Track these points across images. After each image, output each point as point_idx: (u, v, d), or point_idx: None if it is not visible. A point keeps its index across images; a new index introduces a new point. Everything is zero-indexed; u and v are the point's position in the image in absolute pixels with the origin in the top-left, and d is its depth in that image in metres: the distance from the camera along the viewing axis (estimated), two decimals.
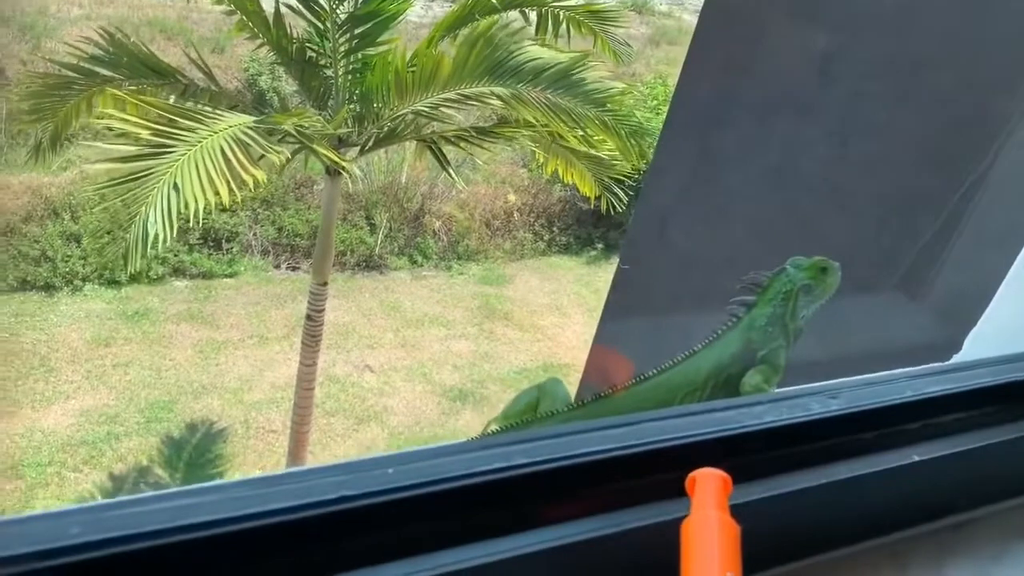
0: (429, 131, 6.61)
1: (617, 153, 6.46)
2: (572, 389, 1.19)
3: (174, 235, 4.93)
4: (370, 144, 6.66)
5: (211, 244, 10.71)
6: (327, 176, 6.75)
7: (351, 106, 6.34)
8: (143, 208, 4.68)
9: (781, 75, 2.30)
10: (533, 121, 6.06)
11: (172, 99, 5.98)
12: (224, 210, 10.18)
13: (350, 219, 11.34)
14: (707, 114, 2.40)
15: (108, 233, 5.08)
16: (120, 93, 5.65)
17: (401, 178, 11.77)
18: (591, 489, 0.67)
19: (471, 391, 9.62)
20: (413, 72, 5.96)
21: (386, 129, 6.47)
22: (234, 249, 10.78)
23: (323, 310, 7.09)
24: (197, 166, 4.79)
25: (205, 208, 4.83)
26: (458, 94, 5.99)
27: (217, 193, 4.81)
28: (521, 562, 0.61)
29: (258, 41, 6.41)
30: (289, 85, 10.73)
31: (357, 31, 6.05)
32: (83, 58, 5.94)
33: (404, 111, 6.17)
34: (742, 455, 0.72)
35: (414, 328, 10.44)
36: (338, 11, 5.90)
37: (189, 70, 6.48)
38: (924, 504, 0.84)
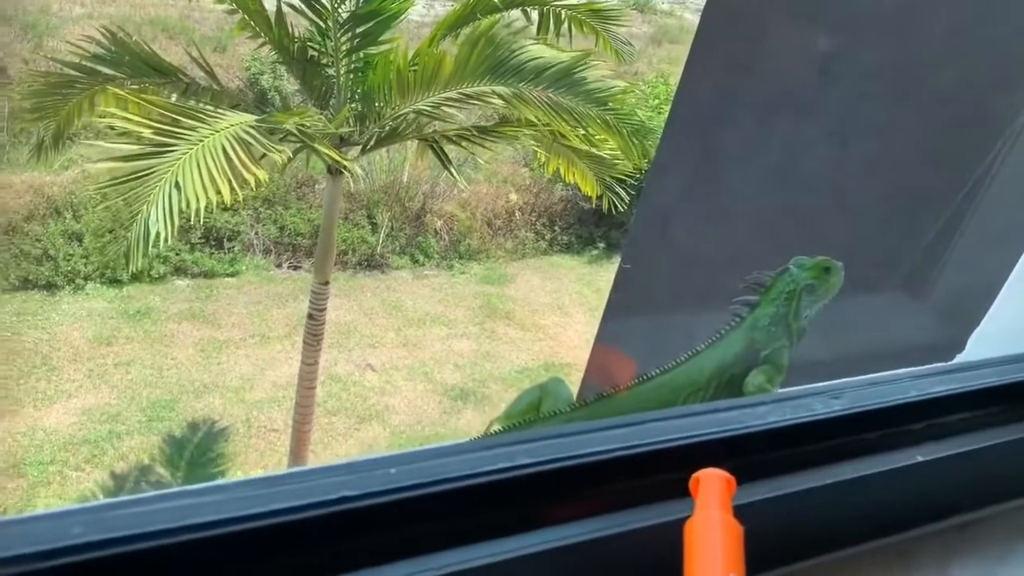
0: (431, 130, 6.61)
1: (619, 152, 6.46)
2: (574, 388, 1.19)
3: (175, 233, 4.93)
4: (372, 143, 6.66)
5: (213, 243, 10.71)
6: (329, 175, 6.75)
7: (353, 105, 6.34)
8: (145, 206, 4.68)
9: (783, 74, 2.30)
10: (535, 120, 6.06)
11: (174, 98, 5.98)
12: (226, 209, 10.18)
13: (352, 218, 11.34)
14: (709, 113, 2.40)
15: (110, 232, 5.09)
16: (122, 92, 5.65)
17: (403, 177, 11.77)
18: (594, 489, 0.67)
19: (472, 390, 9.63)
20: (415, 71, 5.96)
21: (388, 128, 6.47)
22: (236, 248, 10.79)
23: (325, 309, 7.09)
24: (199, 165, 4.79)
25: (206, 207, 4.83)
26: (460, 93, 5.99)
27: (219, 192, 4.81)
28: (524, 562, 0.61)
29: (260, 40, 6.42)
30: (291, 84, 10.74)
31: (359, 30, 6.05)
32: (85, 57, 5.94)
33: (406, 110, 6.17)
34: (745, 455, 0.72)
35: (416, 327, 10.44)
36: (340, 10, 5.90)
37: (191, 69, 6.48)
38: (929, 504, 0.83)
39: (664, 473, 0.68)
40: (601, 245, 12.43)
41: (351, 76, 6.32)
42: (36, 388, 8.60)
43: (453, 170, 6.84)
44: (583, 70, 5.91)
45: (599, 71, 6.01)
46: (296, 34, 6.21)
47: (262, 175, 5.06)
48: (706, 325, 1.12)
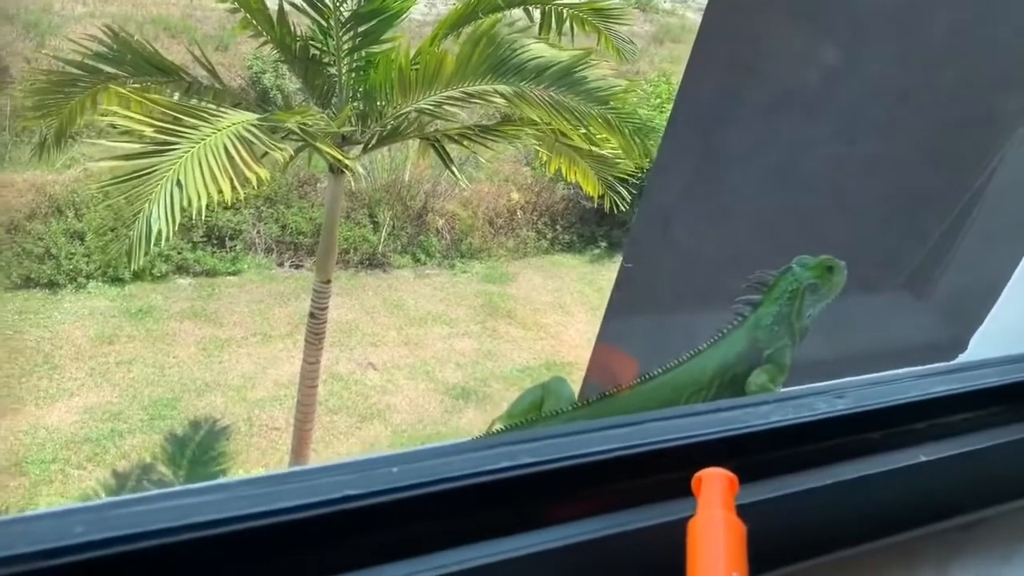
0: (432, 129, 6.61)
1: (620, 151, 6.45)
2: (576, 387, 1.19)
3: (176, 231, 4.93)
4: (373, 142, 6.67)
5: (215, 242, 10.72)
6: (330, 174, 6.75)
7: (354, 104, 6.34)
8: (146, 205, 4.68)
9: (786, 74, 2.30)
10: (536, 119, 6.06)
11: (176, 97, 5.99)
12: (228, 208, 10.20)
13: (353, 217, 11.35)
14: (711, 112, 2.40)
15: (112, 230, 5.09)
16: (124, 91, 5.66)
17: (404, 176, 11.77)
18: (596, 489, 0.67)
19: (474, 389, 9.63)
20: (416, 70, 5.96)
21: (389, 127, 6.47)
22: (238, 247, 10.79)
23: (326, 308, 7.10)
24: (200, 163, 4.79)
25: (208, 205, 4.83)
26: (461, 92, 5.99)
27: (220, 190, 4.81)
28: (526, 562, 0.61)
29: (262, 39, 6.42)
30: (293, 83, 10.75)
31: (361, 29, 6.06)
32: (87, 55, 5.94)
33: (407, 109, 6.18)
34: (748, 455, 0.72)
35: (417, 326, 10.45)
36: (342, 9, 5.90)
37: (193, 68, 6.49)
38: (931, 504, 0.83)
39: (666, 472, 0.68)
40: (603, 244, 12.43)
41: (353, 75, 6.32)
42: (38, 386, 8.61)
43: (455, 169, 6.85)
44: (584, 69, 5.91)
45: (600, 70, 6.01)
46: (298, 33, 6.22)
47: (264, 173, 5.06)
48: (708, 324, 1.12)
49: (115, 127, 5.24)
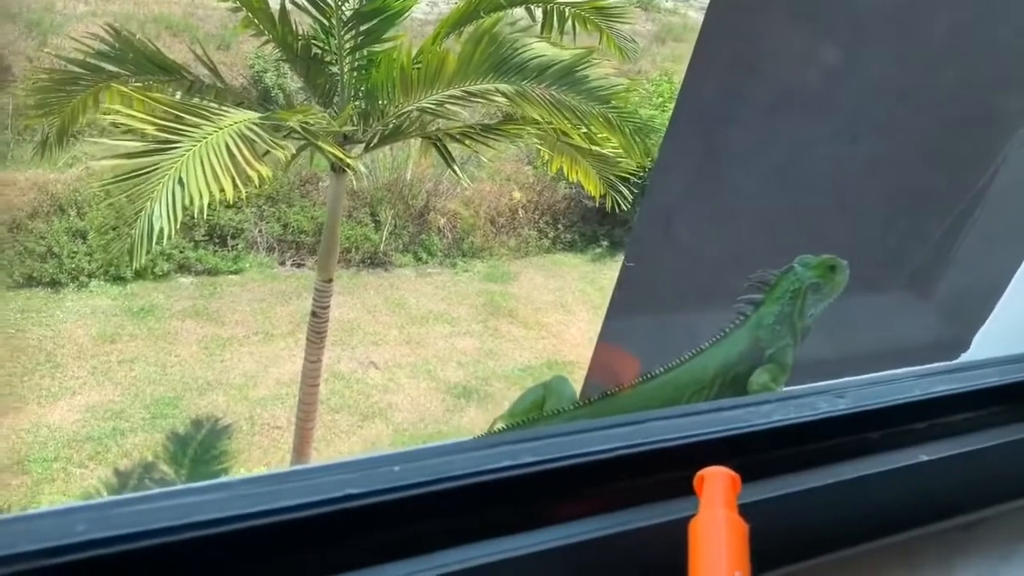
0: (434, 128, 6.61)
1: (621, 151, 6.45)
2: (577, 387, 1.18)
3: (178, 230, 4.94)
4: (375, 141, 6.66)
5: (216, 241, 10.72)
6: (332, 173, 6.75)
7: (356, 103, 6.34)
8: (148, 203, 4.69)
9: (788, 73, 2.30)
10: (538, 118, 6.05)
11: (178, 95, 5.99)
12: (229, 207, 10.20)
13: (355, 216, 11.35)
14: (713, 112, 2.39)
15: (113, 229, 5.09)
16: (126, 89, 5.66)
17: (406, 175, 11.77)
18: (598, 488, 0.67)
19: (475, 388, 9.63)
20: (418, 69, 5.96)
21: (391, 126, 6.47)
22: (239, 246, 10.80)
23: (328, 307, 7.10)
24: (202, 161, 4.79)
25: (210, 203, 4.84)
26: (463, 91, 5.98)
27: (222, 189, 4.82)
28: (528, 561, 0.61)
29: (264, 38, 6.41)
30: (294, 82, 10.75)
31: (362, 28, 6.06)
32: (89, 54, 5.95)
33: (409, 108, 6.17)
34: (749, 454, 0.72)
35: (419, 325, 10.45)
36: (343, 8, 5.90)
37: (195, 67, 6.50)
38: (932, 504, 0.83)
39: (668, 472, 0.68)
40: (604, 243, 12.42)
41: (355, 74, 6.32)
42: (40, 385, 8.62)
43: (456, 168, 6.85)
44: (586, 68, 5.91)
45: (601, 69, 6.01)
46: (300, 32, 6.22)
47: (265, 171, 5.07)
48: (710, 324, 1.12)
49: (117, 126, 5.25)
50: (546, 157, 7.23)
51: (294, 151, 5.95)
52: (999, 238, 1.81)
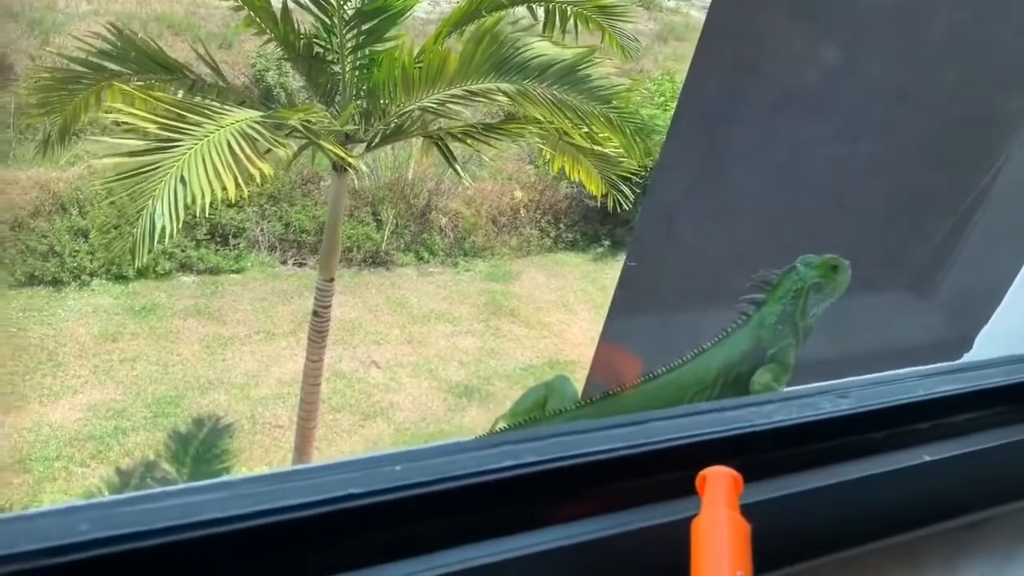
0: (436, 127, 6.61)
1: (623, 151, 6.45)
2: (578, 386, 1.18)
3: (180, 228, 4.94)
4: (377, 140, 6.67)
5: (218, 240, 10.73)
6: (334, 172, 6.76)
7: (358, 102, 6.34)
8: (150, 201, 4.69)
9: (790, 72, 2.29)
10: (540, 118, 6.05)
11: (180, 94, 5.99)
12: (231, 206, 10.21)
13: (357, 215, 11.35)
14: (715, 111, 2.39)
15: (115, 228, 5.11)
16: (128, 88, 5.66)
17: (408, 174, 11.77)
18: (600, 488, 0.66)
19: (477, 387, 9.63)
20: (420, 68, 5.95)
21: (393, 125, 6.47)
22: (241, 245, 10.80)
23: (329, 306, 7.10)
24: (204, 160, 4.80)
25: (212, 202, 4.84)
26: (465, 90, 5.98)
27: (224, 187, 4.82)
28: (530, 561, 0.61)
29: (265, 37, 6.41)
30: (296, 81, 10.75)
31: (364, 27, 6.05)
32: (92, 53, 5.95)
33: (411, 107, 6.17)
34: (752, 454, 0.72)
35: (420, 324, 10.45)
36: (345, 7, 5.90)
37: (197, 66, 6.50)
38: (936, 504, 0.83)
39: (670, 472, 0.68)
40: (606, 242, 12.42)
41: (356, 73, 6.32)
42: (42, 384, 8.62)
43: (458, 167, 6.85)
44: (587, 67, 5.91)
45: (603, 68, 6.00)
46: (302, 31, 6.22)
47: (267, 169, 5.07)
48: (712, 323, 1.12)
49: (119, 124, 5.25)
50: (548, 156, 7.23)
51: (296, 148, 5.95)
52: (1001, 238, 1.80)
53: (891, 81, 2.06)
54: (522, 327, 10.70)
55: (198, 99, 5.88)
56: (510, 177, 12.49)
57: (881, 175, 2.07)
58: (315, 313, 7.10)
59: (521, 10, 6.48)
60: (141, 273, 9.90)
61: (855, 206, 2.13)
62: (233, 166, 4.85)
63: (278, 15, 6.02)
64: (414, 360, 9.87)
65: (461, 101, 6.14)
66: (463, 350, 10.16)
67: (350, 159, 6.13)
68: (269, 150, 5.26)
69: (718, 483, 0.63)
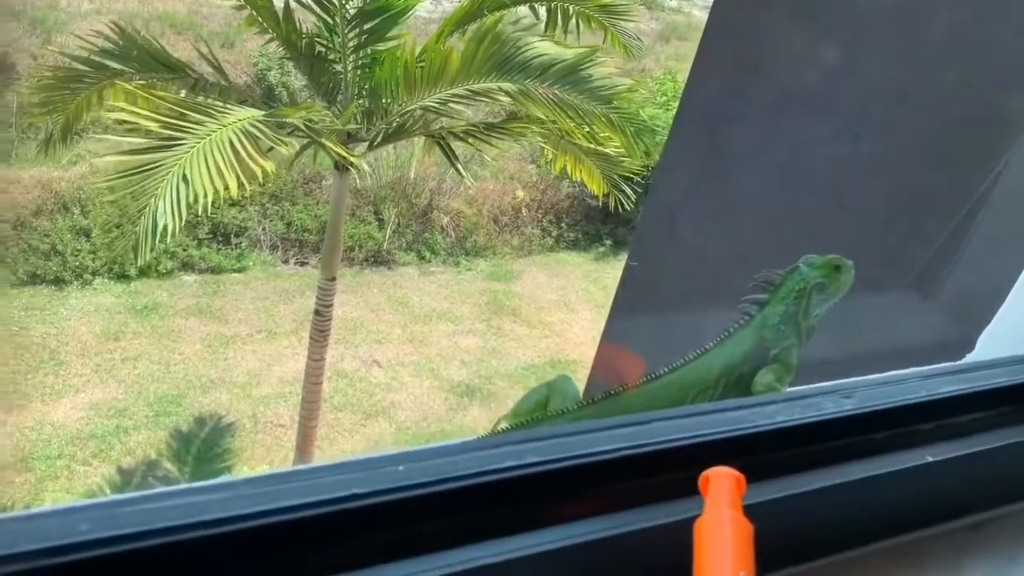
0: (438, 127, 6.61)
1: (623, 151, 6.45)
2: (580, 386, 1.18)
3: (183, 226, 4.95)
4: (379, 139, 6.67)
5: (220, 239, 10.73)
6: (336, 171, 6.76)
7: (360, 101, 6.34)
8: (153, 200, 4.70)
9: (792, 72, 2.29)
10: (542, 117, 6.05)
11: (182, 93, 6.00)
12: (233, 205, 10.22)
13: (358, 214, 11.35)
14: (717, 111, 2.39)
15: (117, 227, 5.11)
16: (130, 87, 5.66)
17: (409, 173, 11.77)
18: (602, 488, 0.66)
19: (479, 387, 9.63)
20: (422, 67, 5.95)
21: (395, 125, 6.47)
22: (243, 244, 10.81)
23: (331, 305, 7.10)
24: (206, 158, 4.80)
25: (214, 201, 4.84)
26: (466, 90, 5.98)
27: (226, 186, 4.82)
28: (532, 561, 0.61)
29: (268, 36, 6.42)
30: (298, 80, 10.75)
31: (366, 26, 6.06)
32: (94, 52, 5.96)
33: (413, 107, 6.17)
34: (754, 455, 0.72)
35: (422, 324, 10.45)
36: (347, 6, 5.90)
37: (199, 64, 6.50)
38: (939, 504, 0.83)
39: (672, 472, 0.67)
40: (608, 242, 12.41)
41: (358, 72, 6.32)
42: (44, 383, 8.63)
43: (460, 167, 6.84)
44: (588, 67, 5.91)
45: (604, 68, 6.00)
46: (304, 30, 6.22)
47: (269, 167, 5.07)
48: (714, 323, 1.12)
49: (121, 123, 5.25)
50: (549, 156, 7.23)
51: (297, 147, 5.95)
52: (1004, 239, 1.80)
53: (892, 81, 2.06)
54: (524, 326, 10.70)
55: (200, 98, 5.88)
56: (512, 176, 12.49)
57: (883, 175, 2.07)
58: (317, 312, 7.11)
59: (523, 9, 6.47)
60: (143, 272, 9.91)
61: (857, 206, 2.12)
62: (235, 165, 4.86)
63: (280, 14, 6.02)
64: (416, 359, 9.87)
65: (463, 100, 6.14)
66: (465, 349, 10.16)
67: (352, 158, 6.13)
68: (271, 148, 5.26)
69: (721, 483, 0.63)
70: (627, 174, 6.78)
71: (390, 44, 6.21)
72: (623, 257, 10.41)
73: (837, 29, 2.15)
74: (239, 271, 10.65)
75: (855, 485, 0.75)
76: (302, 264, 11.04)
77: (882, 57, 2.07)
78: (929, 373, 0.90)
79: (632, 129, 6.09)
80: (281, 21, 6.05)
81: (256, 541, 0.53)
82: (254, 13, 6.11)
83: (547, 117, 5.98)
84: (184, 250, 10.35)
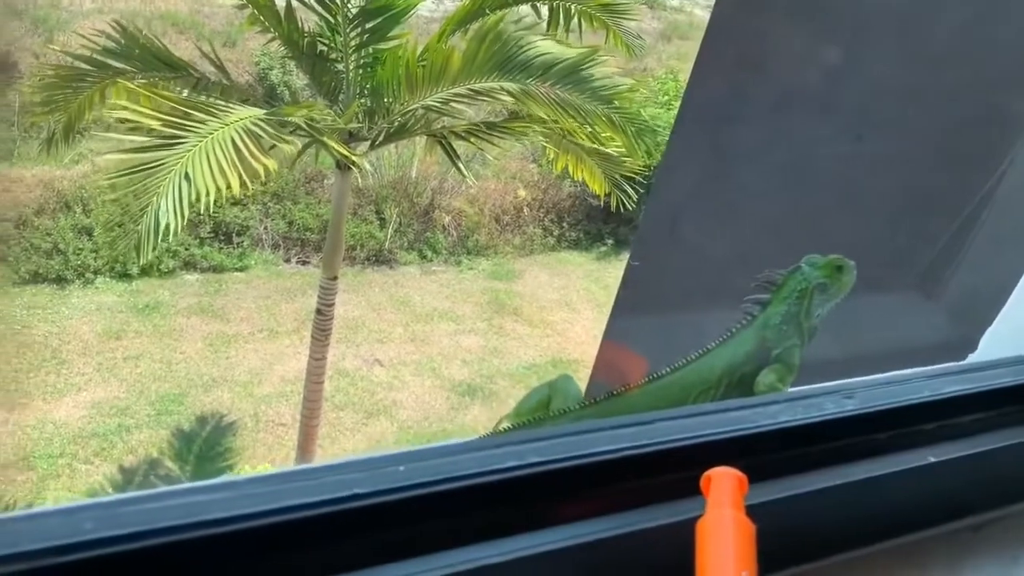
0: (439, 126, 6.61)
1: (625, 150, 6.45)
2: (582, 385, 1.18)
3: (185, 225, 4.95)
4: (380, 139, 6.67)
5: (222, 238, 10.74)
6: (337, 171, 6.76)
7: (362, 100, 6.34)
8: (155, 198, 4.70)
9: (794, 72, 2.29)
10: (544, 117, 6.05)
11: (184, 92, 6.00)
12: (235, 204, 10.22)
13: (360, 214, 11.35)
14: (719, 110, 2.38)
15: (119, 226, 5.10)
16: (132, 86, 5.67)
17: (411, 173, 11.78)
18: (604, 488, 0.66)
19: (480, 386, 9.63)
20: (424, 67, 5.95)
21: (396, 124, 6.47)
22: (245, 243, 10.81)
23: (333, 304, 7.10)
24: (208, 157, 4.80)
25: (216, 200, 4.85)
26: (468, 89, 5.98)
27: (228, 184, 4.83)
28: (534, 561, 0.60)
29: (270, 35, 6.42)
30: (300, 79, 10.75)
31: (368, 25, 6.06)
32: (96, 51, 5.96)
33: (414, 106, 6.17)
34: (756, 455, 0.72)
35: (423, 323, 10.45)
36: (349, 5, 5.90)
37: (201, 63, 6.50)
38: (942, 505, 0.83)
39: (674, 472, 0.67)
40: (609, 242, 12.41)
41: (360, 71, 6.32)
42: (46, 381, 8.64)
43: (461, 166, 6.84)
44: (590, 66, 5.90)
45: (606, 68, 6.00)
46: (306, 29, 6.22)
47: (271, 164, 5.07)
48: (717, 323, 1.12)
49: (123, 122, 5.26)
50: (551, 155, 7.22)
51: (299, 146, 5.95)
52: (1007, 239, 1.80)
53: (895, 81, 2.06)
54: (525, 326, 10.70)
55: (202, 97, 5.88)
56: (513, 176, 12.49)
57: (886, 175, 2.07)
58: (318, 311, 7.11)
59: (525, 8, 6.47)
60: (145, 271, 9.91)
61: (860, 206, 2.12)
62: (237, 163, 4.86)
63: (282, 13, 6.02)
64: (417, 358, 9.88)
65: (465, 100, 6.14)
66: (466, 349, 10.16)
67: (354, 157, 6.13)
68: (273, 147, 5.26)
69: (723, 484, 0.63)
70: (629, 174, 6.77)
71: (392, 43, 6.21)
72: (625, 256, 10.41)
73: (839, 29, 2.15)
74: (241, 270, 10.66)
75: (858, 485, 0.75)
76: (304, 263, 11.05)
77: (885, 57, 2.07)
78: (932, 373, 0.90)
79: (634, 129, 6.09)
80: (283, 20, 6.06)
81: (258, 540, 0.53)
82: (256, 12, 6.12)
83: (549, 116, 5.98)
84: (186, 249, 10.35)
